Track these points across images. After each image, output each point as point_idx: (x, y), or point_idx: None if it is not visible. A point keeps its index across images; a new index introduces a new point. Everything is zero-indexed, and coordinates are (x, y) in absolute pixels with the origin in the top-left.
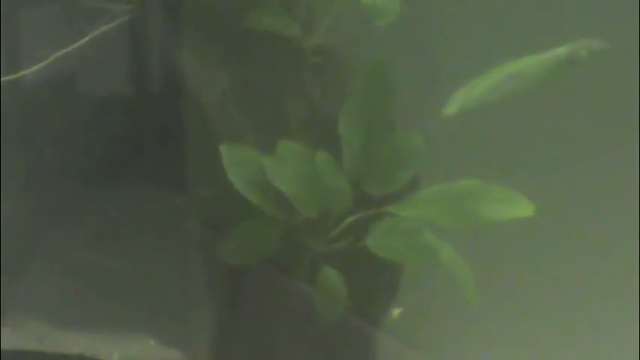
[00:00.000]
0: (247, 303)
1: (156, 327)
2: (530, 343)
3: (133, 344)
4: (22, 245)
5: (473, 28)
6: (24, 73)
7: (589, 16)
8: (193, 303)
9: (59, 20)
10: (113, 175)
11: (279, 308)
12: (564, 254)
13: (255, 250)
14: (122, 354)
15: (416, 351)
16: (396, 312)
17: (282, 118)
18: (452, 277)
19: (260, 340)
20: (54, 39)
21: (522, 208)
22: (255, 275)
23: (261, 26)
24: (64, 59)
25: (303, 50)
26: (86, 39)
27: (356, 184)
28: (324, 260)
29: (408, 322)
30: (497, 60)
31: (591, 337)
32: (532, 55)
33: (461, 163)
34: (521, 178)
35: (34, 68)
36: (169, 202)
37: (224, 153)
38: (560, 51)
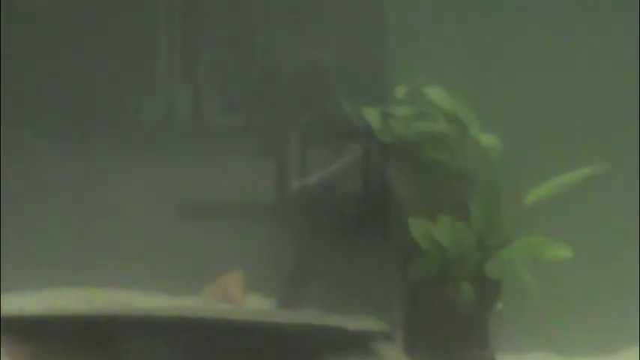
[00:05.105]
0: (424, 300)
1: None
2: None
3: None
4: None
5: None
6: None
7: None
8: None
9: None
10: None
11: (442, 301)
12: None
13: (426, 272)
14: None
15: (512, 326)
16: (499, 305)
17: (440, 206)
18: (526, 286)
19: (435, 316)
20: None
21: (565, 252)
22: (428, 285)
23: (432, 157)
24: (330, 175)
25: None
26: (341, 163)
27: (478, 238)
28: (462, 278)
29: (505, 311)
30: None
31: None
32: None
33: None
34: None
35: (316, 178)
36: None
37: (411, 222)
38: (586, 171)
